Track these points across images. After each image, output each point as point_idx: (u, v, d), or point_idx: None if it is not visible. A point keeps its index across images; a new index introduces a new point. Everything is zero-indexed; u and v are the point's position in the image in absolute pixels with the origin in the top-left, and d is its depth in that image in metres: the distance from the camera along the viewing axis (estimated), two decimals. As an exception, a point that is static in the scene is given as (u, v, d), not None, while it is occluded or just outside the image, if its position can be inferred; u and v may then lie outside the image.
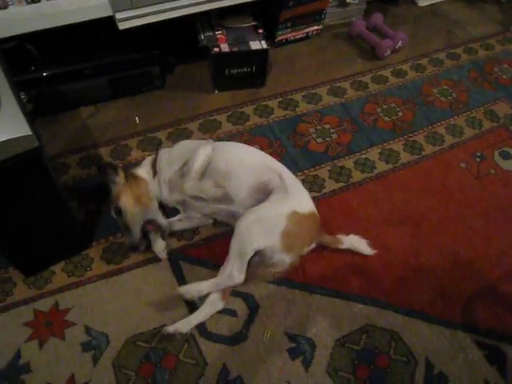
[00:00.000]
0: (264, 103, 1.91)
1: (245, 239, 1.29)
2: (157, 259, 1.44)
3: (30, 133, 1.01)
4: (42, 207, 1.22)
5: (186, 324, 1.32)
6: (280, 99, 1.93)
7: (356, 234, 1.52)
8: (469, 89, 2.10)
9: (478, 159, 1.83)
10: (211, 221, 1.53)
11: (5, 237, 1.23)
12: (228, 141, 1.71)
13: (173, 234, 1.50)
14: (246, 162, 1.42)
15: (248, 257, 1.29)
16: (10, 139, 0.98)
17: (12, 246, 1.28)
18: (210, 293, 1.35)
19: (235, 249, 1.31)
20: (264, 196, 1.37)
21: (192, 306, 1.36)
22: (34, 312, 1.32)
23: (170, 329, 1.30)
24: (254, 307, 1.38)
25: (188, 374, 1.26)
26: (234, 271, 1.30)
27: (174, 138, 1.74)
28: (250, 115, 1.85)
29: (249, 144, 1.63)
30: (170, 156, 1.49)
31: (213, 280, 1.33)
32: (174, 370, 1.26)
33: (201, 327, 1.33)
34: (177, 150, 1.51)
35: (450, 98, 2.05)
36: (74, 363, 1.25)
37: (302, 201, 1.38)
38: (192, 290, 1.32)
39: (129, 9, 1.54)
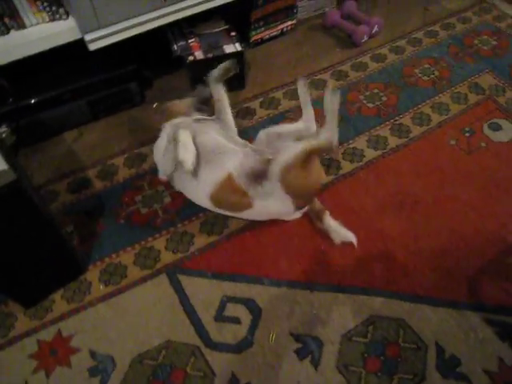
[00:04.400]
0: (246, 105, 1.90)
1: None
2: (154, 275, 1.43)
3: (5, 167, 1.00)
4: (32, 238, 1.21)
5: None
6: (261, 99, 1.92)
7: (349, 226, 1.50)
8: (450, 65, 2.08)
9: (467, 134, 1.81)
10: None
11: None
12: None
13: (168, 247, 1.50)
14: None
15: None
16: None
17: (8, 280, 1.27)
18: None
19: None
20: None
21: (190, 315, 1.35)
22: (37, 343, 1.32)
23: None
24: (256, 312, 1.37)
25: (198, 387, 1.25)
26: None
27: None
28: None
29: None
30: None
31: None
32: (183, 384, 1.26)
33: (205, 338, 1.32)
34: None
35: (432, 76, 2.03)
36: (82, 390, 1.25)
37: None
38: None
39: (97, 29, 1.54)
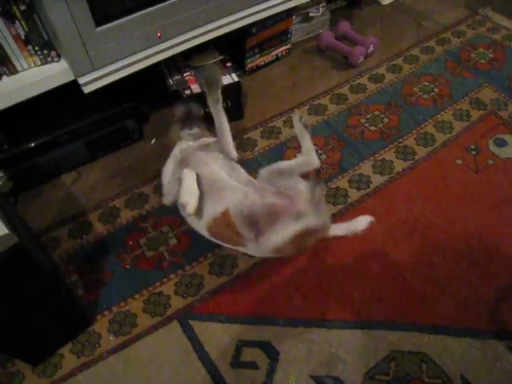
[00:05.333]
0: (246, 136, 1.86)
1: None
2: (165, 323, 1.38)
3: (7, 231, 0.96)
4: (37, 295, 1.16)
5: None
6: (261, 129, 1.89)
7: (361, 256, 1.48)
8: (449, 81, 2.06)
9: (473, 152, 1.78)
10: None
11: (4, 333, 1.18)
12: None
13: (177, 292, 1.45)
14: None
15: None
16: (-15, 244, 0.93)
17: (14, 341, 1.22)
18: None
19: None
20: None
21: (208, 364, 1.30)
22: (48, 403, 1.27)
23: None
24: (273, 355, 1.32)
25: None
26: None
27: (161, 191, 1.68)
28: (234, 151, 1.80)
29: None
30: None
31: None
32: None
33: (223, 387, 1.27)
34: None
35: (432, 93, 2.01)
36: None
37: None
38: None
39: (91, 71, 1.50)
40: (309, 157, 1.46)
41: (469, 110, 1.93)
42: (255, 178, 1.45)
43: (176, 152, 1.53)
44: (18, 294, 1.11)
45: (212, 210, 1.37)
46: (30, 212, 1.65)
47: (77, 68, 1.48)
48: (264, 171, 1.45)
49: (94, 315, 1.41)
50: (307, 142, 1.47)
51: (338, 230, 1.52)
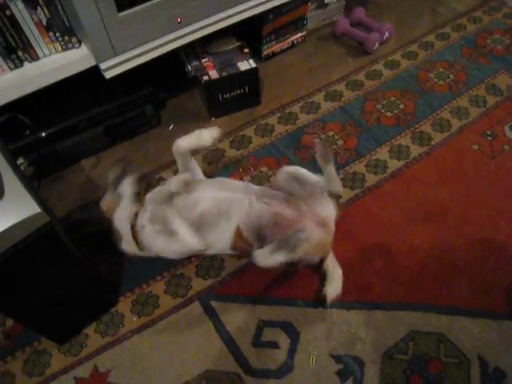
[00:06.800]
0: (263, 122, 1.88)
1: None
2: (187, 304, 1.41)
3: (39, 210, 0.98)
4: (62, 276, 1.20)
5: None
6: (278, 115, 1.90)
7: (379, 240, 1.49)
8: (465, 67, 2.06)
9: (489, 138, 1.78)
10: None
11: (30, 311, 1.21)
12: (234, 167, 1.71)
13: (198, 273, 1.48)
14: None
15: None
16: (19, 221, 0.95)
17: (41, 319, 1.26)
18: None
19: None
20: None
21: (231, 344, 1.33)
22: (74, 380, 1.30)
23: None
24: (294, 335, 1.35)
25: (241, 417, 1.23)
26: None
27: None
28: (252, 137, 1.82)
29: (256, 166, 1.67)
30: None
31: None
32: (227, 414, 1.24)
33: (245, 365, 1.30)
34: None
35: (448, 80, 2.01)
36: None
37: None
38: None
39: (112, 57, 1.52)
40: (334, 184, 1.35)
41: (485, 96, 1.93)
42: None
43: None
44: (46, 273, 1.14)
45: (226, 233, 1.35)
46: (50, 197, 1.68)
47: (98, 53, 1.50)
48: (286, 170, 1.42)
49: (117, 296, 1.45)
50: (331, 170, 1.32)
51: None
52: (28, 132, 1.64)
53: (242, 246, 1.37)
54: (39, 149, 1.64)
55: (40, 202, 1.04)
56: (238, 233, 1.34)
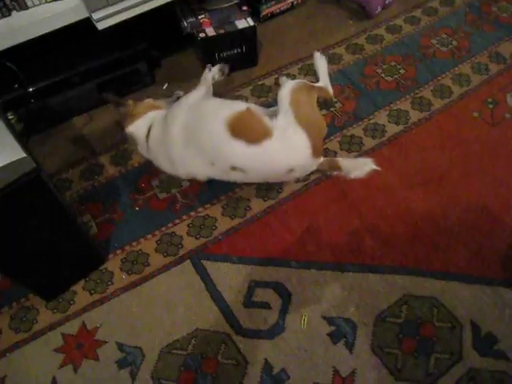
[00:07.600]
0: (260, 83, 1.83)
1: None
2: (178, 262, 1.39)
3: (25, 155, 0.95)
4: (50, 228, 1.17)
5: None
6: (276, 76, 1.85)
7: (376, 204, 1.46)
8: (469, 34, 2.01)
9: (490, 106, 1.75)
10: None
11: (18, 264, 1.18)
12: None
13: (190, 232, 1.45)
14: None
15: None
16: (3, 166, 0.92)
17: (27, 273, 1.23)
18: None
19: None
20: None
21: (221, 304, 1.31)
22: (62, 336, 1.28)
23: None
24: (285, 296, 1.33)
25: (231, 376, 1.21)
26: None
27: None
28: (248, 97, 1.77)
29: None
30: None
31: None
32: (216, 373, 1.22)
33: (235, 325, 1.28)
34: None
35: (450, 46, 1.96)
36: (112, 383, 1.21)
37: None
38: None
39: (105, 7, 1.46)
40: (326, 86, 1.61)
41: (487, 63, 1.88)
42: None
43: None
44: (32, 224, 1.10)
45: (229, 109, 1.40)
46: (40, 154, 1.63)
47: (91, 2, 1.43)
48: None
49: (106, 254, 1.42)
50: (325, 75, 1.64)
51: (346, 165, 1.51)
52: (17, 85, 1.58)
53: (242, 125, 1.41)
54: (27, 102, 1.58)
55: (27, 150, 1.00)
56: (249, 111, 1.40)
